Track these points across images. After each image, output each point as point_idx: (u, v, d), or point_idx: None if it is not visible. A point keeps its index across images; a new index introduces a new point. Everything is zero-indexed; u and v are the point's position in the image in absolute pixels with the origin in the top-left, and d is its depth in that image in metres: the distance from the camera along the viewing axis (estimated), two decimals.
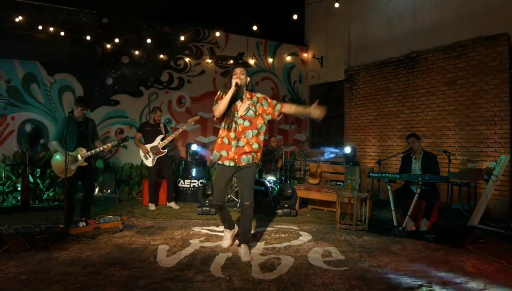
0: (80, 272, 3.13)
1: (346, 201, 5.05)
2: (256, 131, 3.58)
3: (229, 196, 6.41)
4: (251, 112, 3.55)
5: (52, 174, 6.56)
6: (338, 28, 8.92)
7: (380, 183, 5.39)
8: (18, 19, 6.68)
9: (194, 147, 6.88)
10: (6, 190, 6.33)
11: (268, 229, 4.79)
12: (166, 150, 6.04)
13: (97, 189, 6.55)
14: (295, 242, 4.18)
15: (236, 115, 3.53)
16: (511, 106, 5.70)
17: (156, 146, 5.96)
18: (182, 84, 8.42)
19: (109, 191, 6.71)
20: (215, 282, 2.97)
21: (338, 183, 6.38)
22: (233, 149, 3.53)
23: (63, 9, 7.21)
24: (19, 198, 6.15)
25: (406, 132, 6.88)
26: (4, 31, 6.64)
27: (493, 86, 5.87)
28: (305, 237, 4.40)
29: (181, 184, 6.76)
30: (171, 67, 8.29)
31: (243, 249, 3.62)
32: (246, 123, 3.55)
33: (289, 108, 3.67)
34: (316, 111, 3.58)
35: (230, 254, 3.68)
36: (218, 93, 3.61)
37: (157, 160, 5.96)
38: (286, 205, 5.68)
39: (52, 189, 6.52)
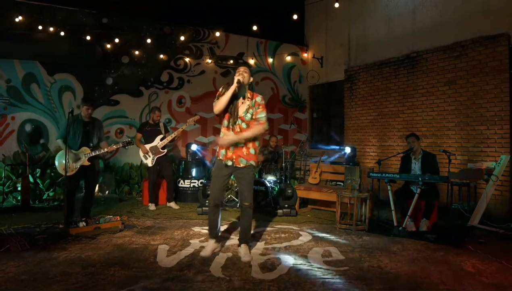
0: (80, 272, 3.13)
1: (346, 201, 5.05)
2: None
3: (229, 196, 6.41)
4: (248, 115, 3.53)
5: (52, 174, 6.57)
6: (338, 28, 8.92)
7: (380, 183, 5.39)
8: (18, 19, 6.68)
9: (194, 147, 6.89)
10: (6, 190, 6.33)
11: (268, 229, 4.79)
12: (165, 150, 6.04)
13: (97, 189, 6.55)
14: (295, 242, 4.18)
15: (237, 115, 3.53)
16: (511, 106, 5.70)
17: (156, 146, 5.96)
18: (182, 84, 8.42)
19: (108, 191, 6.71)
20: (215, 282, 2.97)
21: (338, 183, 6.38)
22: (231, 148, 3.53)
23: (63, 9, 7.21)
24: (19, 198, 6.15)
25: (406, 132, 6.88)
26: (4, 31, 6.64)
27: (493, 86, 5.87)
28: (305, 237, 4.40)
29: (181, 184, 6.76)
30: (171, 67, 8.29)
31: (243, 249, 3.62)
32: (244, 125, 3.54)
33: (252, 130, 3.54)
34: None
35: (230, 254, 3.68)
36: (220, 90, 3.59)
37: (156, 159, 5.96)
38: (286, 205, 5.68)
39: (52, 189, 6.52)
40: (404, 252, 3.87)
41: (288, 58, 9.57)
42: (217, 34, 8.44)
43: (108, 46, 7.52)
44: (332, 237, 4.43)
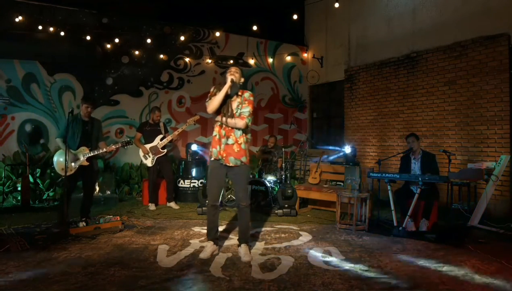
0: (80, 272, 3.13)
1: (346, 201, 5.04)
2: (242, 131, 3.61)
3: (229, 196, 6.41)
4: (239, 111, 3.58)
5: (52, 174, 6.57)
6: (338, 28, 8.92)
7: (380, 183, 5.39)
8: (18, 19, 6.68)
9: (194, 147, 6.88)
10: (6, 190, 6.33)
11: (268, 229, 4.79)
12: (165, 150, 6.04)
13: (97, 189, 6.55)
14: (295, 242, 4.18)
15: (230, 114, 3.56)
16: (511, 106, 5.70)
17: (156, 146, 5.96)
18: (182, 84, 8.42)
19: (108, 191, 6.70)
20: (215, 282, 2.97)
21: (338, 183, 6.38)
22: (222, 146, 3.56)
23: (63, 9, 7.21)
24: (19, 198, 6.15)
25: (406, 132, 6.88)
26: (4, 31, 6.64)
27: (493, 86, 5.87)
28: (305, 237, 4.40)
29: (181, 184, 6.76)
30: (171, 67, 8.29)
31: (243, 249, 3.62)
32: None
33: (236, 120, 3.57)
34: None
35: (230, 254, 3.68)
36: (212, 90, 3.62)
37: (156, 159, 5.96)
38: (286, 205, 5.68)
39: (52, 189, 6.52)
40: (404, 252, 3.87)
41: (288, 58, 9.57)
42: (217, 34, 8.44)
43: (108, 46, 7.52)
44: (332, 237, 4.43)
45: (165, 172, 6.13)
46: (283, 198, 5.77)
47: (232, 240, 4.22)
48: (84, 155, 4.63)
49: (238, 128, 3.57)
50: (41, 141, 7.05)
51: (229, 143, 3.56)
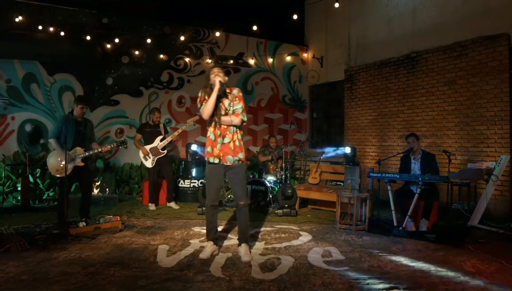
0: (80, 272, 3.13)
1: (346, 201, 5.04)
2: (236, 127, 3.64)
3: (229, 196, 6.41)
4: (231, 108, 3.61)
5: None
6: (338, 28, 8.92)
7: (380, 183, 5.39)
8: (18, 19, 6.68)
9: (194, 147, 6.88)
10: (6, 190, 6.33)
11: (268, 229, 4.79)
12: (165, 151, 6.04)
13: (98, 189, 6.55)
14: (295, 242, 4.18)
15: (222, 112, 3.58)
16: (511, 106, 5.70)
17: (156, 147, 5.96)
18: (182, 84, 8.42)
19: (108, 191, 6.70)
20: (215, 282, 2.97)
21: (338, 183, 6.38)
22: (218, 146, 3.58)
23: (63, 9, 7.21)
24: (19, 198, 6.15)
25: (406, 132, 6.88)
26: (4, 31, 6.64)
27: (493, 86, 5.87)
28: (305, 237, 4.40)
29: (181, 184, 6.76)
30: (171, 67, 8.29)
31: (243, 249, 3.62)
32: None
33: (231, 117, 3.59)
34: None
35: (230, 254, 3.68)
36: (200, 95, 3.63)
37: (156, 160, 5.96)
38: (286, 205, 5.68)
39: (52, 189, 6.52)
40: (404, 252, 3.87)
41: (288, 58, 9.57)
42: (217, 34, 8.43)
43: (108, 46, 7.52)
44: (332, 237, 4.43)
45: (165, 172, 6.14)
46: (283, 198, 5.77)
47: (232, 240, 4.22)
48: (79, 155, 4.59)
49: (234, 126, 3.59)
50: (41, 141, 7.04)
51: (225, 142, 3.59)
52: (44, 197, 6.45)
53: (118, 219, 4.73)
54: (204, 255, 3.58)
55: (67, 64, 7.27)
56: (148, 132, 6.04)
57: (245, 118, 3.61)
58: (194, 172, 6.83)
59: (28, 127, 6.98)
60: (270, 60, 9.39)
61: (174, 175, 6.55)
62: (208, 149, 3.62)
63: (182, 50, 8.39)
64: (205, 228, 4.36)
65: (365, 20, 8.23)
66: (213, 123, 3.60)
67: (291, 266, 3.37)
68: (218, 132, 3.59)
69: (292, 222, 5.25)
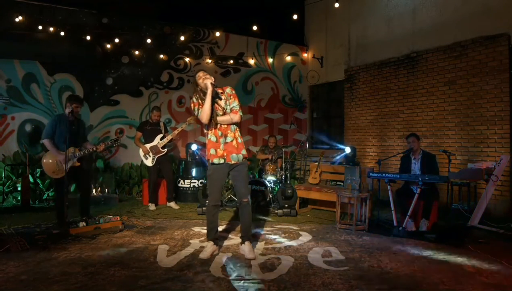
0: (80, 272, 3.13)
1: (346, 201, 5.05)
2: (235, 125, 3.69)
3: (229, 196, 6.41)
4: (228, 107, 3.64)
5: None
6: (338, 28, 8.92)
7: (380, 183, 5.39)
8: (18, 19, 6.68)
9: (194, 147, 6.89)
10: (6, 190, 6.33)
11: (268, 229, 4.79)
12: (165, 149, 6.04)
13: (98, 189, 6.55)
14: (295, 242, 4.18)
15: (219, 113, 3.60)
16: (511, 106, 5.70)
17: (156, 145, 5.96)
18: (182, 84, 8.42)
19: (108, 191, 6.70)
20: (215, 282, 2.97)
21: (338, 183, 6.38)
22: (221, 146, 3.60)
23: (63, 9, 7.21)
24: (19, 198, 6.15)
25: (406, 132, 6.87)
26: (4, 31, 6.64)
27: (493, 86, 5.87)
28: (305, 237, 4.40)
29: (181, 184, 6.76)
30: (171, 67, 8.29)
31: (247, 247, 3.65)
32: None
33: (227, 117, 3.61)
34: None
35: (230, 254, 3.68)
36: (194, 100, 3.65)
37: (157, 159, 5.96)
38: (286, 205, 5.68)
39: (52, 189, 6.52)
40: (404, 252, 3.87)
41: (288, 58, 9.57)
42: (217, 34, 8.43)
43: (108, 46, 7.52)
44: (332, 237, 4.43)
45: (165, 172, 6.14)
46: (283, 198, 5.77)
47: (232, 240, 4.22)
48: (74, 155, 4.57)
49: (234, 123, 3.64)
50: (41, 141, 7.03)
51: (228, 141, 3.61)
52: (44, 197, 6.45)
53: (118, 219, 4.73)
54: (204, 255, 3.59)
55: (67, 64, 7.27)
56: (148, 131, 6.04)
57: (242, 114, 3.69)
58: (194, 172, 6.83)
59: (28, 127, 6.98)
60: (270, 60, 9.39)
61: (174, 175, 6.55)
62: (211, 151, 3.62)
63: (182, 50, 8.39)
64: (205, 228, 4.36)
65: (365, 20, 8.23)
66: (212, 125, 3.61)
67: (291, 266, 3.36)
68: (219, 132, 3.61)
69: (292, 222, 5.25)
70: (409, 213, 4.54)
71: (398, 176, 4.70)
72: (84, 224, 4.38)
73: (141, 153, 6.00)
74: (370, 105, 8.01)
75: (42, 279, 2.97)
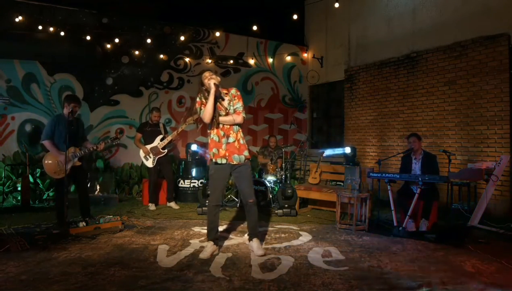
0: (80, 272, 3.13)
1: (346, 201, 5.05)
2: (238, 126, 3.71)
3: (229, 196, 6.41)
4: (232, 108, 3.66)
5: None
6: (338, 28, 8.92)
7: (380, 183, 5.39)
8: (18, 19, 6.68)
9: (194, 147, 6.89)
10: (6, 190, 6.33)
11: (268, 229, 4.79)
12: (166, 150, 6.04)
13: (98, 189, 6.55)
14: (295, 242, 4.18)
15: (222, 113, 3.62)
16: (511, 106, 5.70)
17: (156, 146, 5.96)
18: (182, 84, 8.42)
19: (108, 191, 6.70)
20: (215, 282, 2.97)
21: (338, 183, 6.38)
22: (223, 146, 3.63)
23: (63, 9, 7.21)
24: (19, 198, 6.15)
25: (406, 132, 6.88)
26: (4, 31, 6.64)
27: (493, 86, 5.87)
28: (305, 237, 4.40)
29: (181, 184, 6.76)
30: (171, 67, 8.29)
31: (255, 243, 3.69)
32: None
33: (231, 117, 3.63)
34: None
35: (230, 254, 3.68)
36: (198, 100, 3.66)
37: (157, 160, 5.96)
38: (286, 205, 5.68)
39: (52, 189, 6.52)
40: (404, 252, 3.87)
41: (288, 58, 9.57)
42: (217, 34, 8.43)
43: (108, 46, 7.52)
44: (332, 237, 4.43)
45: (165, 172, 6.14)
46: (283, 198, 5.77)
47: (232, 240, 4.23)
48: (75, 155, 4.57)
49: (236, 124, 3.65)
50: (41, 142, 7.03)
51: (230, 141, 3.64)
52: (44, 197, 6.45)
53: (118, 219, 4.73)
54: (204, 255, 3.59)
55: (67, 64, 7.27)
56: (148, 132, 6.04)
57: (245, 116, 3.71)
58: (194, 172, 6.83)
59: (28, 127, 6.98)
60: (270, 60, 9.39)
61: (174, 175, 6.55)
62: (213, 150, 3.65)
63: (182, 50, 8.39)
64: (205, 228, 4.37)
65: (365, 20, 8.23)
66: (214, 125, 3.63)
67: (291, 266, 3.36)
68: (222, 133, 3.64)
69: (292, 222, 5.25)
70: (409, 213, 4.54)
71: (398, 176, 4.70)
72: (84, 224, 4.38)
73: (142, 154, 6.00)
74: (370, 105, 8.01)
75: (42, 279, 2.97)
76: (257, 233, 3.80)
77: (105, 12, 7.57)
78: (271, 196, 6.04)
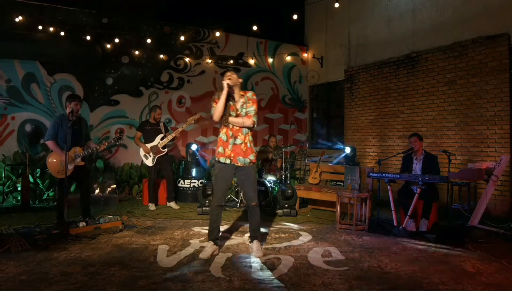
0: (80, 272, 3.13)
1: (346, 201, 5.05)
2: (248, 129, 3.70)
3: (228, 196, 6.41)
4: (244, 110, 3.66)
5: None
6: (338, 28, 8.92)
7: (380, 183, 5.39)
8: (18, 19, 6.68)
9: (194, 147, 6.89)
10: (6, 190, 6.33)
11: (268, 229, 4.79)
12: (166, 149, 6.04)
13: (98, 189, 6.55)
14: (295, 242, 4.18)
15: (232, 114, 3.63)
16: (511, 106, 5.70)
17: (156, 145, 5.96)
18: (182, 84, 8.42)
19: (108, 191, 6.70)
20: (215, 282, 2.97)
21: (338, 183, 6.38)
22: (230, 147, 3.63)
23: (63, 9, 7.21)
24: (19, 198, 6.15)
25: (406, 132, 6.89)
26: (4, 31, 6.64)
27: (493, 86, 5.87)
28: (305, 237, 4.40)
29: (181, 184, 6.76)
30: (171, 67, 8.29)
31: (255, 245, 3.69)
32: None
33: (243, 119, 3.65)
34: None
35: (230, 254, 3.68)
36: (215, 96, 3.69)
37: (157, 159, 5.96)
38: (286, 205, 5.68)
39: (52, 189, 6.52)
40: (404, 252, 3.87)
41: (288, 58, 9.57)
42: (217, 34, 8.43)
43: (108, 46, 7.52)
44: (332, 237, 4.43)
45: (165, 172, 6.14)
46: (283, 198, 5.77)
47: (232, 240, 4.23)
48: (78, 155, 4.58)
49: (246, 127, 3.65)
50: (41, 141, 7.04)
51: (237, 143, 3.64)
52: (44, 197, 6.45)
53: (118, 219, 4.73)
54: (204, 255, 3.59)
55: (67, 64, 7.27)
56: (148, 131, 6.04)
57: (257, 121, 3.69)
58: (194, 172, 6.83)
59: (28, 127, 6.98)
60: (270, 60, 9.39)
61: (174, 175, 6.55)
62: (220, 149, 3.67)
63: (182, 50, 8.39)
64: (205, 228, 4.39)
65: (365, 20, 8.23)
66: (223, 124, 3.67)
67: (291, 266, 3.36)
68: (230, 133, 3.65)
69: (292, 222, 5.25)
70: (409, 213, 4.54)
71: (398, 176, 4.70)
72: (84, 224, 4.38)
73: (142, 153, 6.00)
74: (370, 105, 8.01)
75: (42, 279, 2.97)
76: (259, 236, 3.81)
77: (105, 12, 7.57)
78: (271, 196, 6.04)
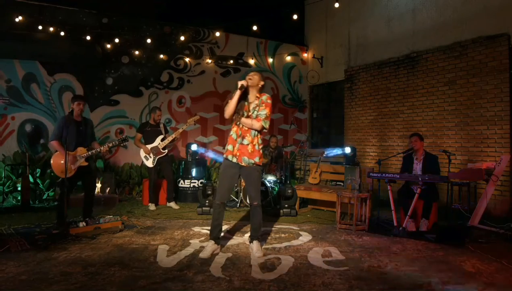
0: (80, 272, 3.13)
1: (346, 201, 5.05)
2: (257, 132, 3.70)
3: None
4: (255, 113, 3.67)
5: (52, 173, 6.56)
6: (338, 28, 8.92)
7: (380, 183, 5.39)
8: (18, 19, 6.68)
9: (194, 147, 6.89)
10: (6, 190, 6.33)
11: (268, 229, 4.78)
12: (166, 150, 6.05)
13: (97, 189, 6.55)
14: (295, 242, 4.18)
15: (244, 114, 3.66)
16: (511, 106, 5.70)
17: (157, 147, 5.96)
18: (182, 84, 8.42)
19: (108, 191, 6.69)
20: (215, 282, 2.97)
21: (338, 183, 6.38)
22: (237, 146, 3.66)
23: (63, 9, 7.21)
24: (19, 198, 6.15)
25: (406, 132, 6.89)
26: (4, 31, 6.64)
27: (493, 86, 5.87)
28: (305, 237, 4.40)
29: (181, 184, 6.76)
30: (171, 67, 8.29)
31: (255, 245, 3.70)
32: None
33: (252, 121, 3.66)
34: None
35: (230, 254, 3.68)
36: (232, 94, 3.71)
37: (157, 160, 5.96)
38: (286, 205, 5.68)
39: (52, 189, 6.52)
40: (404, 252, 3.87)
41: (288, 58, 9.57)
42: (217, 34, 8.43)
43: (108, 46, 7.52)
44: (332, 237, 4.43)
45: (165, 172, 6.14)
46: (283, 198, 5.77)
47: (233, 240, 4.23)
48: (82, 155, 4.59)
49: (255, 130, 3.66)
50: (41, 141, 7.05)
51: (244, 143, 3.66)
52: (44, 197, 6.45)
53: (118, 219, 4.73)
54: (204, 254, 3.59)
55: (67, 64, 7.27)
56: (148, 132, 6.04)
57: (266, 125, 3.66)
58: (194, 172, 6.83)
59: (28, 127, 6.98)
60: (270, 60, 9.39)
61: (174, 175, 6.55)
62: (229, 146, 3.72)
63: (182, 50, 8.39)
64: (205, 228, 4.39)
65: (365, 20, 8.23)
66: (234, 122, 3.70)
67: (291, 266, 3.36)
68: (240, 132, 3.68)
69: (292, 222, 5.25)
70: (409, 213, 4.54)
71: (398, 176, 4.70)
72: (84, 224, 4.38)
73: (142, 154, 6.00)
74: (370, 105, 8.01)
75: (42, 279, 2.97)
76: (259, 236, 3.82)
77: (105, 12, 7.57)
78: (271, 196, 6.04)
